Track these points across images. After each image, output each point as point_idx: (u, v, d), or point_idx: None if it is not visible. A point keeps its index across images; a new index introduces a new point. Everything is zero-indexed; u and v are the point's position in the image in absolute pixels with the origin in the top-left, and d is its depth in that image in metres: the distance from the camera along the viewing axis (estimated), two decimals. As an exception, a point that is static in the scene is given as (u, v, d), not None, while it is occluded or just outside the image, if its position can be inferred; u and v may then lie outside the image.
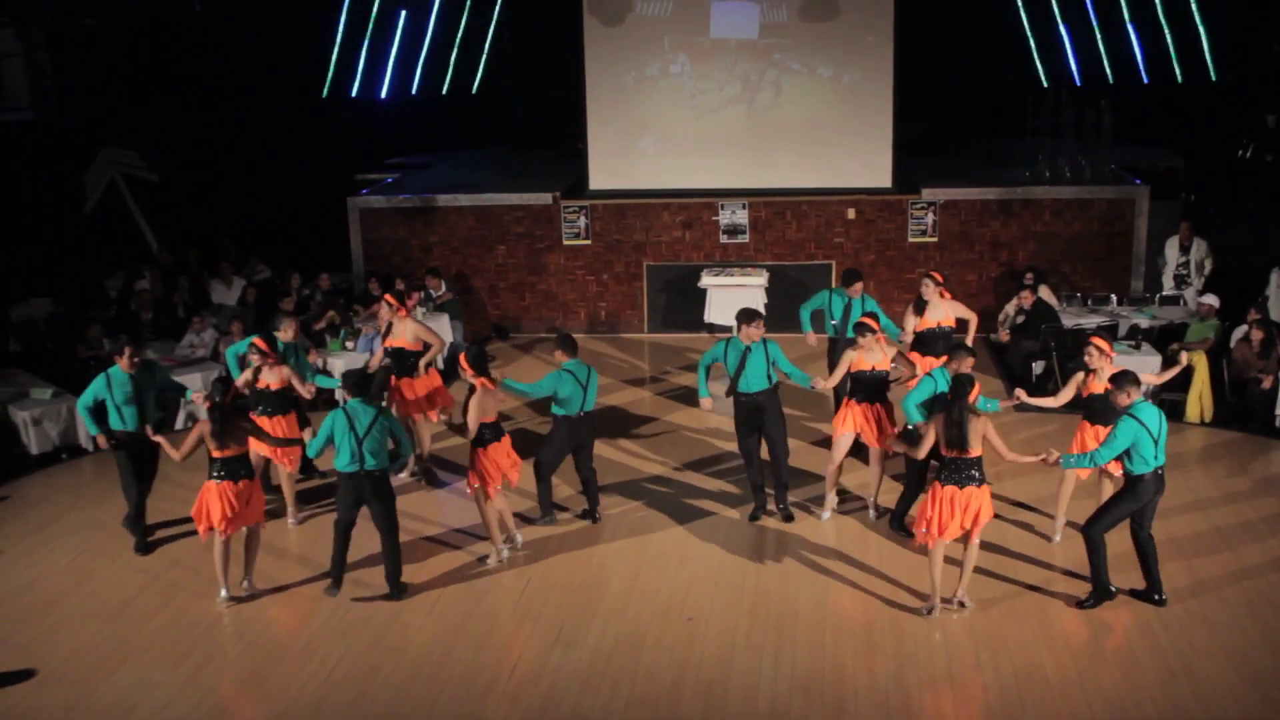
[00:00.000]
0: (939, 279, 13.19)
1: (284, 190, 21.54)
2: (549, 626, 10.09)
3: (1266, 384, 13.93)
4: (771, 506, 12.09)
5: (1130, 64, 23.40)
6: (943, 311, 13.13)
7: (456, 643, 9.87)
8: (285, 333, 12.35)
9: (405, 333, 12.87)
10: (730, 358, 11.64)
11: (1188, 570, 10.63)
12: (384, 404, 12.06)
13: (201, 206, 20.96)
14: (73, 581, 11.02)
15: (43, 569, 11.33)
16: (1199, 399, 14.28)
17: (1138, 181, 18.05)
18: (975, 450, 9.71)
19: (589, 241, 18.59)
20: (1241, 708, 8.71)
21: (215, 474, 10.28)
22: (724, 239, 18.41)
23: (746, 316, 11.65)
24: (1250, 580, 10.46)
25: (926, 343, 12.93)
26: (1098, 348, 10.85)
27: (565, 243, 18.60)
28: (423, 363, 12.82)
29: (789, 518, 11.95)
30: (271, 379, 11.83)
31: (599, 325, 18.73)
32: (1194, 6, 22.57)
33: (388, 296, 13.35)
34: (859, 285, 13.40)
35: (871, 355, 11.57)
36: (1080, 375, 10.95)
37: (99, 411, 11.38)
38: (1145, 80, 23.34)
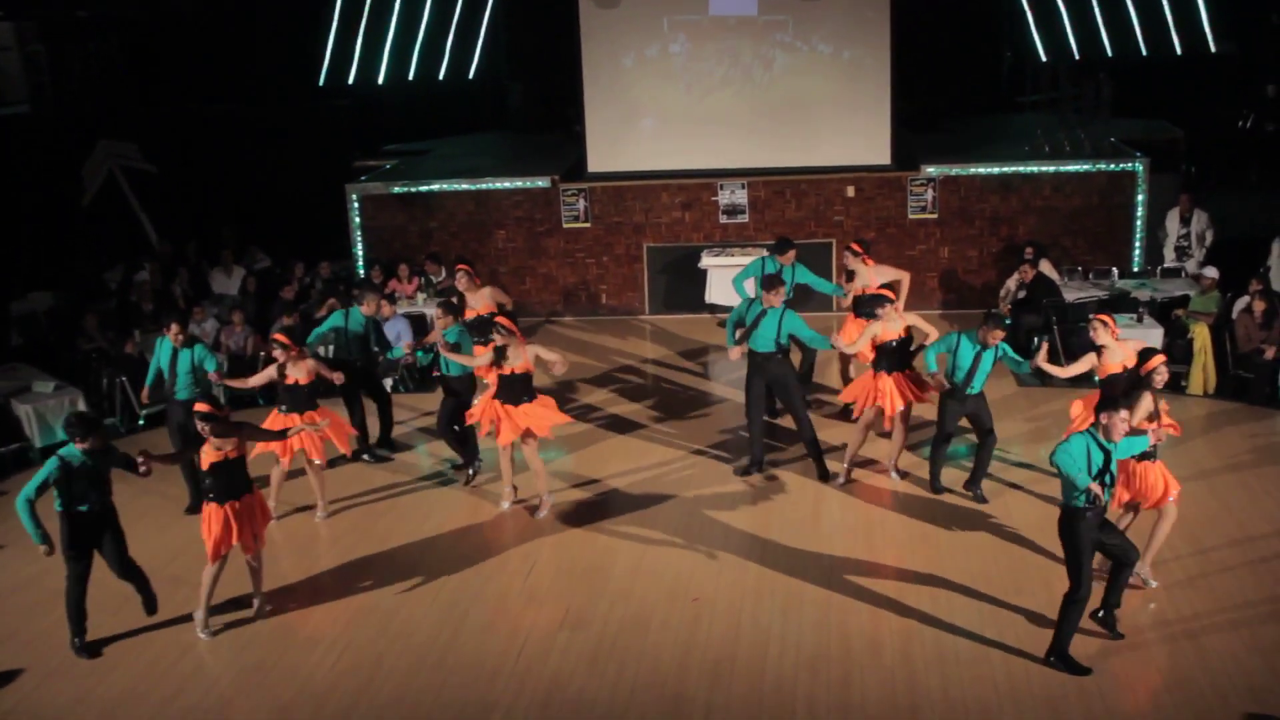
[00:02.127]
0: (856, 249, 13.89)
1: (282, 179, 21.51)
2: (555, 609, 10.10)
3: (1269, 354, 13.90)
4: (793, 469, 12.59)
5: (1128, 36, 23.33)
6: (867, 278, 13.58)
7: (462, 627, 9.88)
8: (368, 307, 13.31)
9: (480, 303, 13.69)
10: (749, 315, 12.29)
11: (1192, 541, 10.62)
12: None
13: (200, 197, 20.94)
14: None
15: (47, 564, 11.19)
16: (1201, 370, 14.27)
17: (1137, 154, 17.99)
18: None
19: (588, 224, 18.56)
20: (1248, 678, 8.70)
21: (209, 494, 9.81)
22: (724, 219, 18.38)
23: (768, 284, 12.24)
24: (1255, 550, 10.46)
25: (856, 307, 13.53)
26: (1101, 323, 10.89)
27: (565, 226, 18.58)
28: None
29: (824, 476, 12.38)
30: (299, 374, 11.69)
31: (600, 308, 18.71)
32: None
33: (462, 265, 14.18)
34: (792, 253, 14.11)
35: (891, 325, 11.87)
36: (1093, 355, 10.93)
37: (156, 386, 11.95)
38: (1144, 52, 23.26)
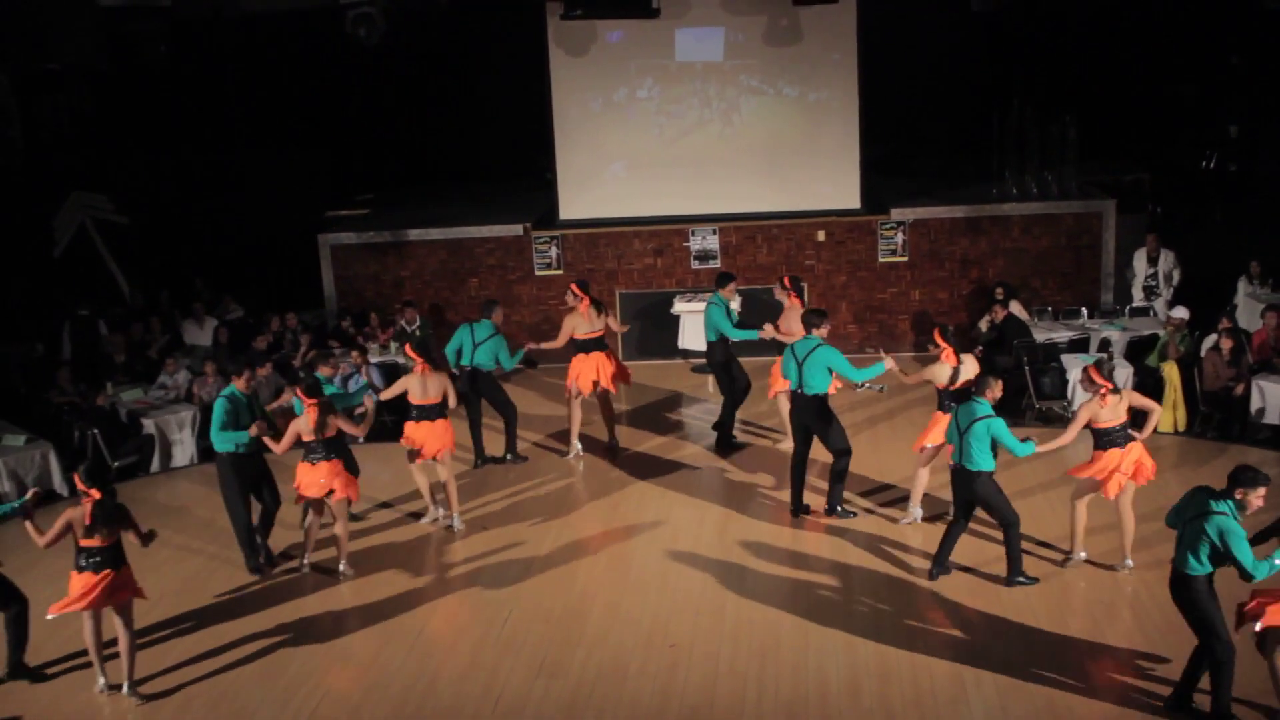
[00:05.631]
0: (786, 283, 14.02)
1: (254, 229, 21.51)
2: (531, 657, 10.07)
3: (1238, 390, 14.04)
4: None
5: (1094, 79, 23.56)
6: (789, 316, 13.71)
7: (439, 677, 9.84)
8: (496, 316, 14.34)
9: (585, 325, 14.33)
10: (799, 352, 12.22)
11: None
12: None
13: (172, 248, 20.91)
14: (49, 630, 10.90)
15: (40, 611, 11.16)
16: (1172, 409, 14.38)
17: (1104, 195, 18.18)
18: None
19: (561, 271, 18.60)
20: None
21: (79, 563, 9.68)
22: (695, 265, 18.46)
23: (816, 317, 12.40)
24: (1230, 592, 10.47)
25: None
26: (1089, 378, 10.85)
27: (537, 273, 18.62)
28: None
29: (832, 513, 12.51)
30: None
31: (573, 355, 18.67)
32: (1155, 19, 22.73)
33: (573, 286, 14.35)
34: (731, 285, 14.44)
35: (968, 369, 11.69)
36: (1087, 409, 10.85)
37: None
38: (1108, 95, 23.50)
